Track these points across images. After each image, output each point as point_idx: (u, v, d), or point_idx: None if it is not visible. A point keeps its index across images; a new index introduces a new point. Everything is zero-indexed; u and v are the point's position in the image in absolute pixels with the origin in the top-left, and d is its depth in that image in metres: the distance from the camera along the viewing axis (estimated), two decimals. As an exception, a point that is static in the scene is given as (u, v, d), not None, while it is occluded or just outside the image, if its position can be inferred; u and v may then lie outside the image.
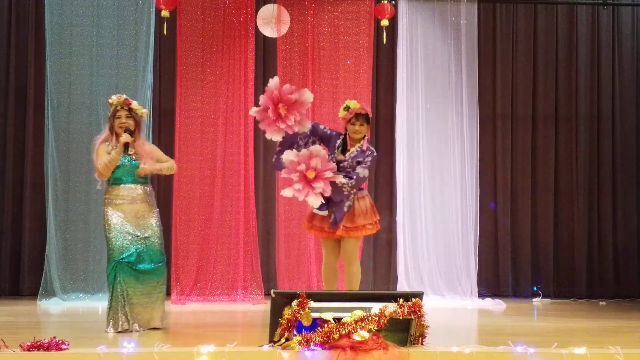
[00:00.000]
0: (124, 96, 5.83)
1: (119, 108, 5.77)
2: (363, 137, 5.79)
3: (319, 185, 5.50)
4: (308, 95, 5.67)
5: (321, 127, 5.92)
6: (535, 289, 9.26)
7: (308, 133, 5.81)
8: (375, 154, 5.81)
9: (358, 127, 5.73)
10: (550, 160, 9.62)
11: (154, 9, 8.36)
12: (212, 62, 8.53)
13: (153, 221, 5.79)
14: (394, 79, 9.05)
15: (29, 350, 4.23)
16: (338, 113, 5.99)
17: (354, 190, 5.68)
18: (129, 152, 5.69)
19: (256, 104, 8.67)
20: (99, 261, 8.13)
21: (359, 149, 5.74)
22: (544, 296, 9.11)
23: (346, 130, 5.82)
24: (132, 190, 5.73)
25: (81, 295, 8.12)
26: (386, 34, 8.60)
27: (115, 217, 5.65)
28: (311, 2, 8.63)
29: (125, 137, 5.66)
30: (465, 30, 8.95)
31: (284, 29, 8.47)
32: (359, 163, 5.71)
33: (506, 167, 9.55)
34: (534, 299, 9.04)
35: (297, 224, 8.53)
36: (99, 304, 7.59)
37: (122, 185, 5.73)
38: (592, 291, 9.46)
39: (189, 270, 8.31)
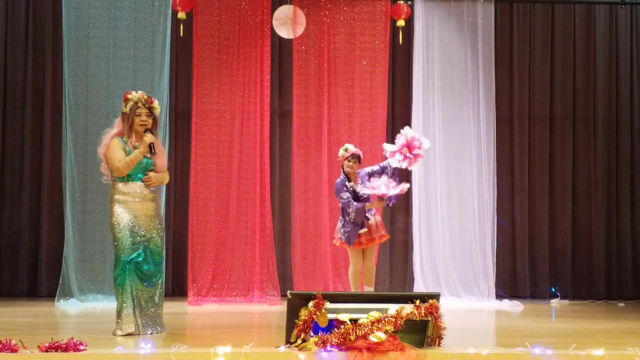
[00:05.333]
0: (145, 94, 5.63)
1: (139, 105, 5.56)
2: (356, 172, 7.15)
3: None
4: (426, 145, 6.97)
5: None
6: (553, 290, 9.21)
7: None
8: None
9: (353, 164, 7.07)
10: (568, 161, 9.56)
11: (170, 11, 8.39)
12: (228, 63, 8.55)
13: (158, 221, 5.62)
14: (410, 79, 9.03)
15: (47, 351, 4.24)
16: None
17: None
18: (152, 153, 5.51)
19: (272, 106, 8.75)
20: (116, 262, 8.16)
21: (360, 181, 7.08)
22: (562, 297, 9.05)
23: (343, 166, 7.13)
24: (143, 188, 5.55)
25: (99, 296, 8.16)
26: (402, 35, 8.58)
27: (125, 216, 5.46)
28: (327, 3, 8.62)
29: (150, 138, 5.48)
30: (481, 31, 8.91)
31: (300, 30, 8.47)
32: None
33: (523, 167, 9.50)
34: (552, 300, 8.99)
35: (313, 225, 8.52)
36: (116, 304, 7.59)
37: (133, 182, 5.54)
38: (611, 292, 9.39)
39: (205, 271, 8.33)
